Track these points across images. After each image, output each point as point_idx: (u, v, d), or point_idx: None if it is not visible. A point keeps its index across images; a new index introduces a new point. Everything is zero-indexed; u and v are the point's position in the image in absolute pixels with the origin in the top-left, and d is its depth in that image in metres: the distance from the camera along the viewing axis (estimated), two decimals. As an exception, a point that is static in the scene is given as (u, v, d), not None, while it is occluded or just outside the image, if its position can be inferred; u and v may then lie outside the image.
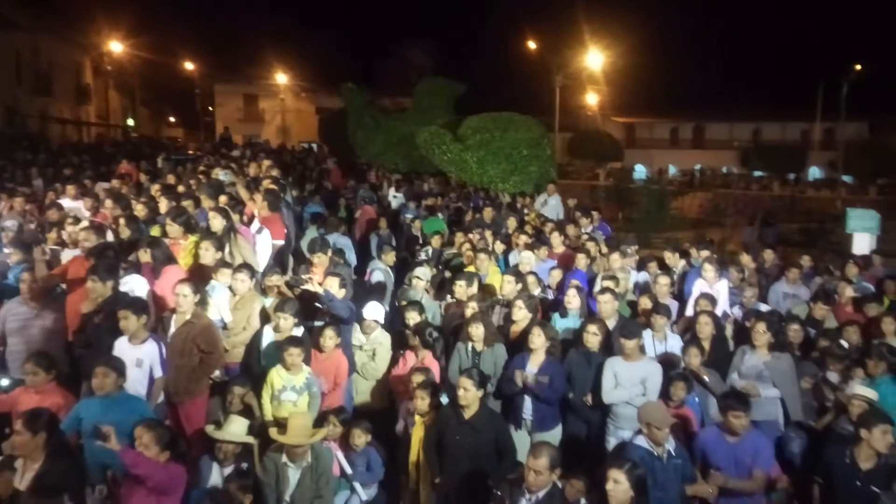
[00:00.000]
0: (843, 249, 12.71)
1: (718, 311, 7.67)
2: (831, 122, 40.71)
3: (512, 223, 11.83)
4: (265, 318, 6.48)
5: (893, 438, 4.64)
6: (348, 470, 5.56)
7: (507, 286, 7.85)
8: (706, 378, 6.34)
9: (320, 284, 6.53)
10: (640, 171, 44.73)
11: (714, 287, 8.00)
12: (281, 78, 43.85)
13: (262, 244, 7.99)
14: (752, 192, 35.99)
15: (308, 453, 5.04)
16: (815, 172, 44.57)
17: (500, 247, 10.33)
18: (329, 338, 6.13)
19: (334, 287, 6.53)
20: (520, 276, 8.14)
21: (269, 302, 6.61)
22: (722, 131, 52.59)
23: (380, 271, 8.89)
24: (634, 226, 21.39)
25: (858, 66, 34.20)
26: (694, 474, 5.00)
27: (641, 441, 4.92)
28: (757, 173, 42.54)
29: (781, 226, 24.61)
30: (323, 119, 31.24)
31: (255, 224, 8.29)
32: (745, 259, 10.01)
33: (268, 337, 6.24)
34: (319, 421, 5.53)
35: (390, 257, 9.19)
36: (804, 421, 6.23)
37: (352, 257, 10.09)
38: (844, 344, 7.04)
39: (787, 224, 25.90)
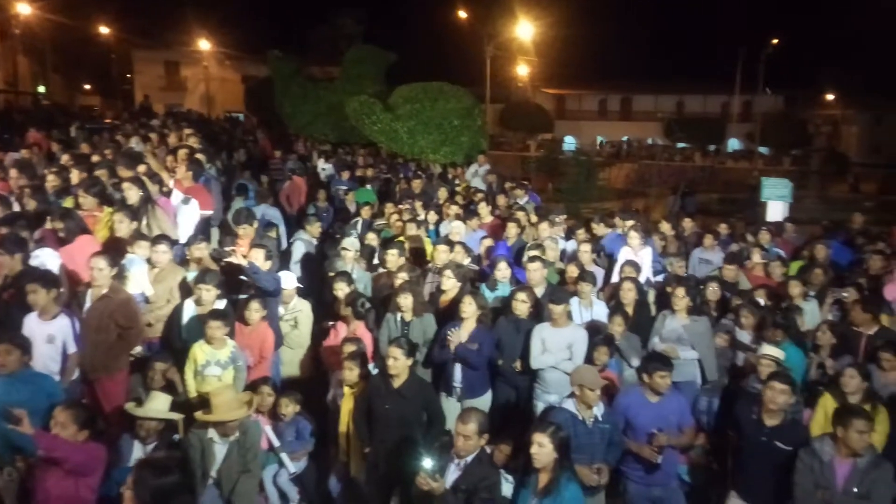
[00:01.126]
0: (758, 217, 13.23)
1: (642, 278, 7.90)
2: (749, 96, 42.24)
3: (443, 193, 11.83)
4: (187, 291, 6.28)
5: (792, 397, 4.88)
6: (276, 443, 5.50)
7: (440, 255, 7.87)
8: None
9: (245, 256, 6.37)
10: (569, 143, 45.39)
11: (638, 254, 8.23)
12: (204, 44, 42.11)
13: (187, 215, 7.72)
14: (675, 162, 37.13)
15: (235, 427, 4.95)
16: (734, 144, 46.27)
17: (433, 217, 10.33)
18: (254, 310, 6.01)
19: (259, 259, 6.37)
20: (452, 245, 8.16)
21: (192, 275, 6.41)
22: (648, 103, 53.90)
23: (302, 242, 8.75)
24: (564, 196, 21.72)
25: (775, 41, 35.47)
26: (621, 440, 5.15)
27: (569, 405, 5.04)
28: (680, 145, 43.88)
29: (702, 195, 25.51)
30: (249, 88, 30.31)
31: (178, 194, 8.00)
32: (665, 227, 10.33)
33: (189, 310, 6.06)
34: (254, 390, 5.45)
35: (315, 228, 9.05)
36: (718, 380, 6.52)
37: (282, 229, 9.92)
38: (760, 301, 7.37)
39: (708, 194, 26.88)
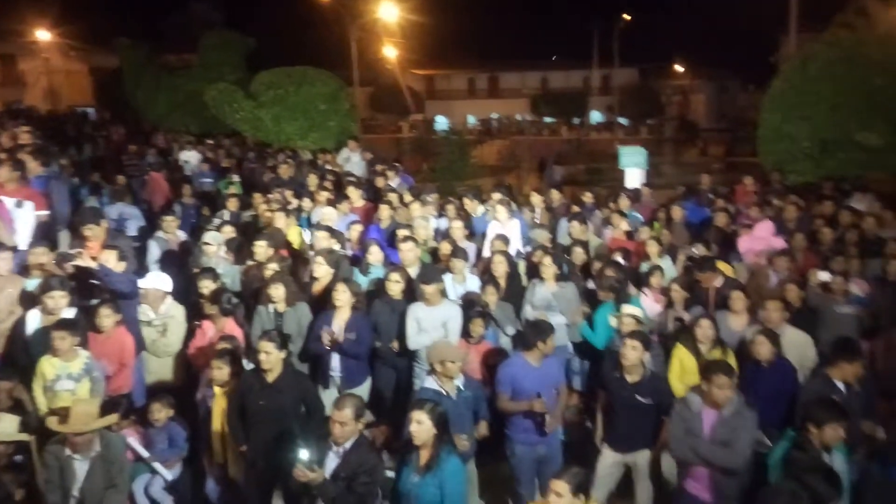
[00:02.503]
0: (618, 185, 13.96)
1: (512, 250, 8.12)
2: (607, 70, 44.24)
3: (312, 180, 11.58)
4: (31, 301, 5.78)
5: (645, 353, 5.17)
6: (144, 453, 5.22)
7: (320, 242, 7.71)
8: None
9: (94, 259, 5.93)
10: (441, 122, 45.78)
11: (507, 227, 8.43)
12: (43, 35, 38.69)
13: (23, 219, 7.09)
14: (543, 137, 38.41)
15: (96, 442, 4.63)
16: (596, 116, 48.39)
17: (307, 204, 10.11)
18: (106, 316, 5.61)
19: (111, 260, 5.96)
20: (332, 231, 8.03)
21: (34, 283, 5.90)
22: (514, 81, 55.29)
23: (157, 241, 8.30)
24: (438, 175, 21.91)
25: (627, 17, 37.31)
26: (485, 406, 5.29)
27: (431, 383, 5.11)
28: (547, 119, 45.38)
29: (570, 167, 26.61)
30: (99, 80, 28.30)
31: (8, 199, 7.31)
32: (536, 199, 10.66)
33: (34, 322, 5.58)
34: (110, 407, 5.10)
35: (172, 225, 8.59)
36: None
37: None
38: (621, 261, 7.77)
39: (575, 165, 28.06)
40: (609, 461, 5.32)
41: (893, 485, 4.29)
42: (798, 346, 5.98)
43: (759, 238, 8.63)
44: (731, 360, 5.79)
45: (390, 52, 44.25)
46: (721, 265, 7.77)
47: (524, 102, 49.92)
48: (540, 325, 5.59)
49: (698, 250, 8.12)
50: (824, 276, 7.42)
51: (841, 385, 5.12)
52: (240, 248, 7.94)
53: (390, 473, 4.71)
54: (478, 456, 5.55)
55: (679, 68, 49.64)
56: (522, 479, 5.48)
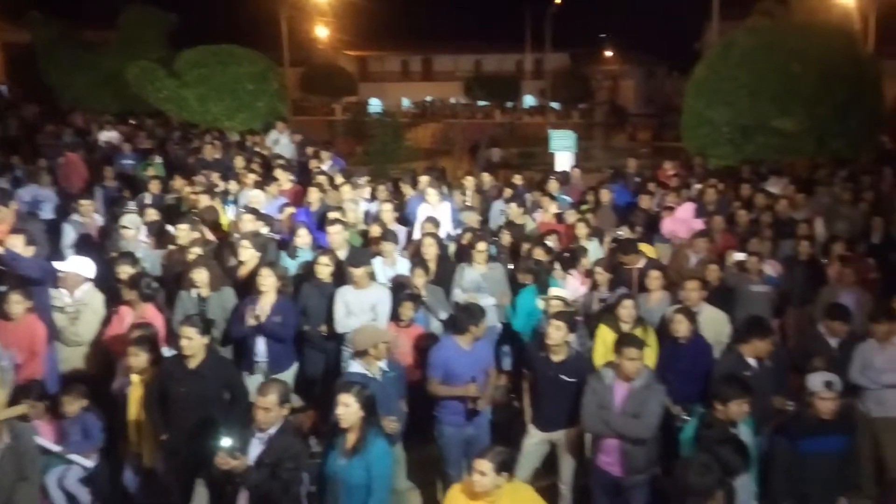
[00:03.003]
0: (549, 168, 14.18)
1: (443, 233, 8.14)
2: (539, 54, 44.66)
3: (239, 162, 11.29)
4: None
5: (569, 334, 5.27)
6: (54, 448, 5.01)
7: (246, 225, 7.53)
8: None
9: (0, 243, 5.63)
10: (374, 105, 45.38)
11: (437, 210, 8.44)
12: (-56, 6, 36.19)
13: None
14: (477, 120, 38.53)
15: (4, 433, 4.41)
16: (529, 100, 48.89)
17: (234, 187, 9.86)
18: (16, 302, 5.34)
19: (19, 245, 5.67)
20: (258, 214, 7.86)
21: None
22: (448, 63, 55.19)
23: (73, 225, 7.95)
24: (372, 158, 21.74)
25: (558, 1, 37.55)
26: (404, 386, 5.32)
27: (356, 367, 5.09)
28: (481, 103, 45.54)
29: (503, 150, 26.80)
30: (11, 57, 26.69)
31: None
32: (468, 182, 10.71)
33: (-67, 313, 5.27)
34: (20, 395, 4.89)
35: (88, 208, 8.24)
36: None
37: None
38: (550, 244, 7.90)
39: (508, 148, 28.27)
40: (534, 439, 5.43)
41: (800, 457, 4.54)
42: (714, 324, 6.22)
43: (681, 220, 8.93)
44: (652, 339, 5.99)
45: (322, 32, 43.47)
46: (644, 247, 8.01)
47: (458, 85, 49.93)
48: (471, 309, 5.62)
49: (623, 232, 8.32)
50: (740, 256, 7.73)
51: (752, 361, 5.36)
52: (161, 232, 7.68)
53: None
54: (406, 437, 5.57)
55: (609, 54, 50.60)
56: (451, 460, 5.53)
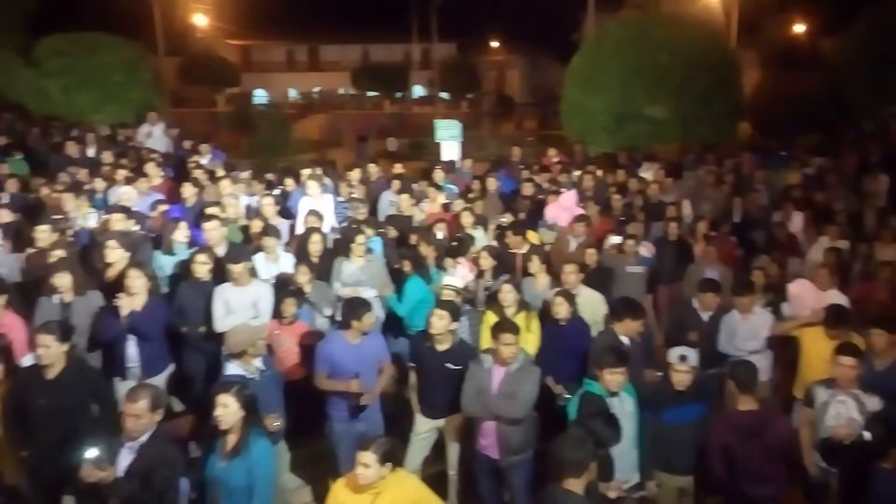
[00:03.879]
0: (435, 158, 14.27)
1: (326, 227, 8.01)
2: (427, 44, 44.80)
3: (107, 157, 10.65)
4: None
5: (452, 323, 5.33)
6: None
7: (114, 224, 7.10)
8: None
9: None
10: (260, 96, 44.05)
11: (320, 203, 8.30)
12: None
13: None
14: (366, 111, 38.20)
15: None
16: (418, 90, 48.91)
17: (100, 184, 9.27)
18: None
19: None
20: (128, 212, 7.43)
21: None
22: (335, 53, 54.23)
23: None
24: (258, 151, 21.10)
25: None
26: (280, 381, 5.23)
27: (234, 368, 4.95)
28: (370, 93, 45.13)
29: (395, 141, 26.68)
30: None
31: None
32: (353, 174, 10.59)
33: None
34: None
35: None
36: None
37: None
38: (438, 234, 7.96)
39: (399, 139, 28.19)
40: (423, 428, 5.47)
41: (664, 427, 4.82)
42: (592, 304, 6.48)
43: (564, 207, 9.23)
44: (535, 323, 6.18)
45: (201, 19, 41.66)
46: (529, 233, 8.23)
47: (345, 76, 49.18)
48: (354, 303, 5.56)
49: (507, 220, 8.51)
50: (616, 239, 8.10)
51: (625, 339, 5.63)
52: (18, 234, 7.13)
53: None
54: (296, 434, 5.47)
55: (495, 44, 51.37)
56: (343, 457, 5.45)
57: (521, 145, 16.00)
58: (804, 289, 6.88)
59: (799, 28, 24.82)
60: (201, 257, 6.25)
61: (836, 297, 6.49)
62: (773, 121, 20.55)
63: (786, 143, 16.47)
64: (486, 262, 7.10)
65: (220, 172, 9.87)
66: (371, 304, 5.64)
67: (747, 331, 6.23)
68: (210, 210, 7.37)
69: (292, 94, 48.21)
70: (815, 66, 22.07)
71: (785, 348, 6.43)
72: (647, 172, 11.57)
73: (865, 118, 22.26)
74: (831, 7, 25.65)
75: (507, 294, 6.14)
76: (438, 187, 9.90)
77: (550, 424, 5.10)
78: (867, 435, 3.89)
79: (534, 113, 37.85)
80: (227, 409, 4.13)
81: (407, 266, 6.88)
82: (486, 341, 6.05)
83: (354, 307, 5.41)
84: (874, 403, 4.69)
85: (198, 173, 9.30)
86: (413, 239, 7.77)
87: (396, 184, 10.04)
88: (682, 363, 4.79)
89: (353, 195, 9.82)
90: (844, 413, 4.75)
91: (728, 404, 5.09)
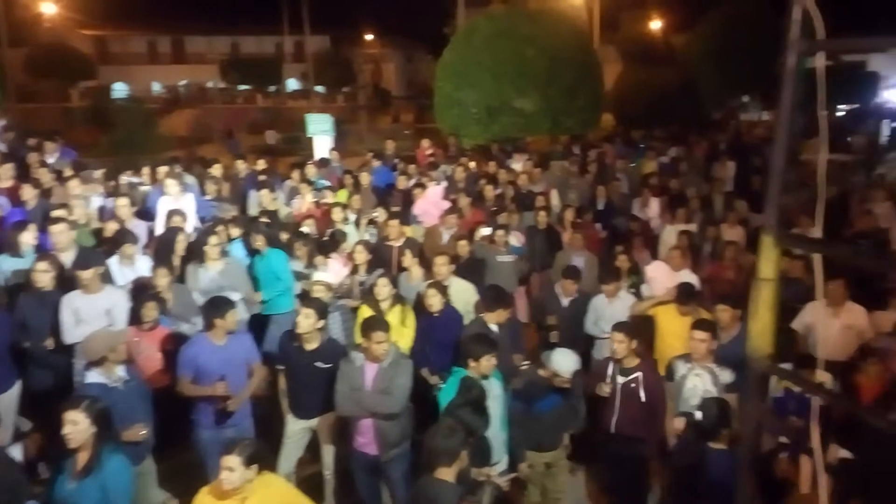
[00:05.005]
0: (310, 153, 13.98)
1: (190, 226, 7.64)
2: (300, 36, 43.83)
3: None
4: None
5: (319, 321, 5.23)
6: None
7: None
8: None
9: None
10: (119, 90, 41.45)
11: (180, 202, 7.91)
12: None
13: None
14: (237, 105, 36.89)
15: None
16: (292, 84, 47.80)
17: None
18: None
19: None
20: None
21: None
22: (201, 45, 51.86)
23: None
24: (119, 149, 19.84)
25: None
26: (147, 391, 4.96)
27: (94, 377, 4.63)
28: (241, 87, 43.65)
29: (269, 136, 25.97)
30: None
31: None
32: (216, 171, 10.17)
33: None
34: None
35: None
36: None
37: None
38: (307, 230, 7.81)
39: (274, 133, 27.44)
40: (295, 428, 5.35)
41: (536, 417, 4.97)
42: (464, 294, 6.58)
43: (431, 201, 9.29)
44: (411, 316, 6.20)
45: (49, 7, 38.59)
46: (404, 227, 8.24)
47: (213, 68, 47.26)
48: (216, 301, 5.33)
49: (379, 214, 8.47)
50: (487, 230, 8.26)
51: (494, 327, 5.75)
52: None
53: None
54: (162, 445, 5.18)
55: (369, 37, 51.10)
56: (212, 466, 5.20)
57: (398, 139, 16.01)
58: (659, 270, 7.31)
59: (655, 25, 26.34)
60: (42, 265, 5.75)
61: (688, 277, 6.93)
62: (633, 112, 21.82)
63: (647, 133, 17.49)
64: (361, 257, 7.04)
65: (69, 172, 9.16)
66: (234, 302, 5.42)
67: (613, 313, 6.54)
68: (56, 213, 6.81)
69: (156, 87, 45.67)
70: (669, 61, 23.59)
71: (643, 327, 6.80)
72: (518, 164, 11.89)
73: (715, 109, 24.10)
74: (683, 5, 27.48)
75: (383, 288, 6.12)
76: (310, 183, 9.71)
77: (426, 414, 5.14)
78: (699, 415, 4.11)
79: (411, 106, 38.03)
80: (77, 427, 3.85)
81: (260, 241, 6.67)
82: (359, 336, 6.01)
83: (217, 305, 5.20)
84: (727, 376, 5.04)
85: (40, 173, 8.58)
86: (284, 237, 7.57)
87: (263, 179, 9.75)
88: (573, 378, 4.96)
89: (219, 193, 9.44)
90: (700, 386, 5.09)
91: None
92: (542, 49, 14.36)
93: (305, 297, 5.87)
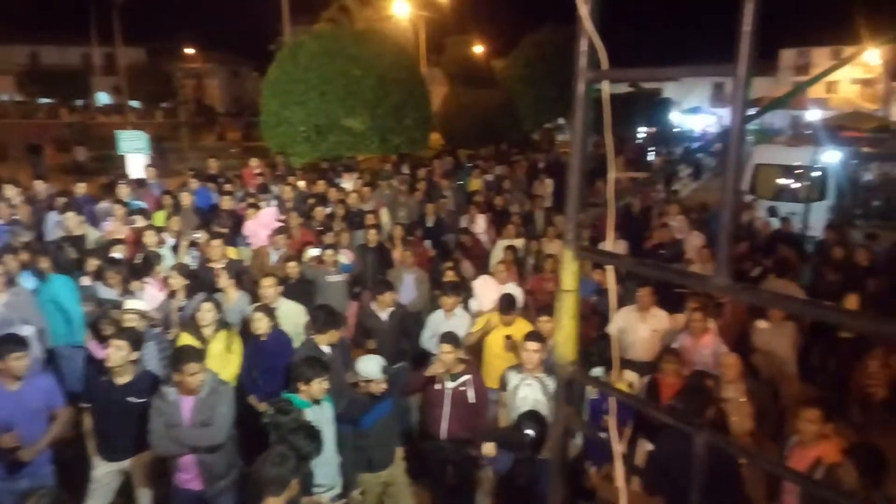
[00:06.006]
0: (123, 172, 12.98)
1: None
2: (109, 48, 40.85)
3: None
4: None
5: (129, 351, 4.83)
6: None
7: None
8: None
9: None
10: None
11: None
12: None
13: None
14: (38, 119, 33.55)
15: None
16: (103, 98, 44.37)
17: None
18: None
19: None
20: None
21: None
22: (-7, 53, 46.70)
23: None
24: None
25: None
26: None
27: None
28: (42, 100, 39.79)
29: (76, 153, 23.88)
30: None
31: None
32: (11, 192, 9.17)
33: None
34: None
35: None
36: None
37: None
38: (118, 255, 7.24)
39: (84, 150, 25.28)
40: (103, 472, 4.89)
41: (365, 434, 4.92)
42: (293, 316, 6.41)
43: (263, 223, 9.00)
44: (237, 342, 5.92)
45: None
46: (228, 249, 7.88)
47: (10, 80, 42.70)
48: (4, 340, 4.76)
49: (200, 236, 8.05)
50: (316, 250, 8.13)
51: (326, 348, 5.65)
52: None
53: None
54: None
55: (190, 51, 48.76)
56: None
57: (224, 157, 15.35)
58: (486, 284, 7.59)
59: (477, 49, 27.57)
60: None
61: (513, 290, 7.24)
62: (459, 132, 22.63)
63: (473, 153, 18.19)
64: (177, 282, 6.62)
65: None
66: (26, 341, 4.85)
67: (450, 328, 6.64)
68: None
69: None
70: (491, 84, 24.78)
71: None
72: (348, 182, 11.85)
73: (533, 129, 25.64)
74: (501, 32, 29.06)
75: (206, 313, 5.80)
76: (123, 204, 9.02)
77: (254, 443, 4.92)
78: (529, 431, 4.27)
79: (237, 124, 36.72)
80: None
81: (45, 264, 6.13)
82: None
83: (6, 345, 4.62)
84: (553, 384, 5.28)
85: None
86: (91, 263, 6.95)
87: (60, 202, 8.93)
88: (383, 374, 4.96)
89: (14, 217, 8.51)
90: (531, 395, 5.29)
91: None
92: (370, 69, 14.48)
93: (117, 327, 5.41)
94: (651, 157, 27.13)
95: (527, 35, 26.17)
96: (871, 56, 36.10)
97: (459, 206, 11.25)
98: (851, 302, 7.79)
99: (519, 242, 9.36)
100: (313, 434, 4.22)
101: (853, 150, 13.93)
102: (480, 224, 10.30)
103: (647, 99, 37.44)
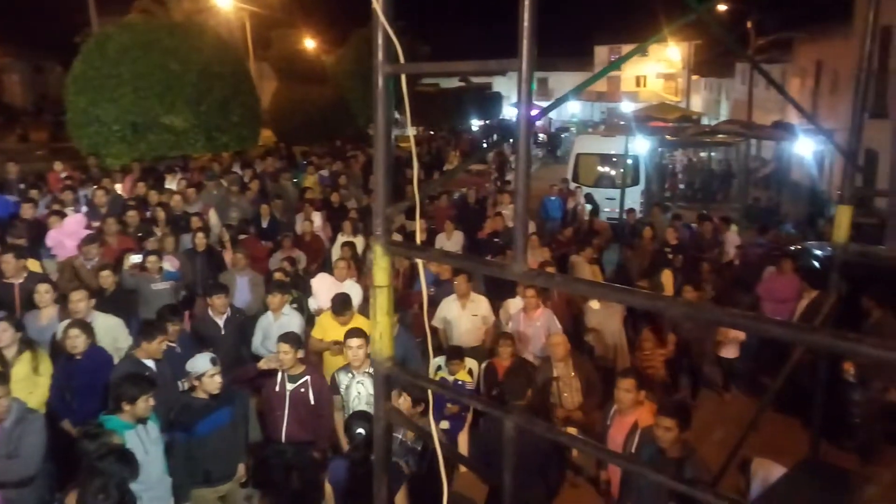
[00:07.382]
0: None
1: None
2: None
3: None
4: None
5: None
6: None
7: None
8: None
9: None
10: None
11: None
12: None
13: None
14: None
15: None
16: None
17: None
18: None
19: None
20: None
21: None
22: None
23: None
24: None
25: None
26: None
27: None
28: None
29: None
30: None
31: None
32: None
33: None
34: None
35: None
36: None
37: None
38: None
39: None
40: None
41: (198, 440, 4.67)
42: (111, 331, 5.94)
43: (69, 232, 8.22)
44: (45, 362, 5.39)
45: None
46: (29, 262, 7.11)
47: None
48: None
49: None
50: (137, 257, 7.57)
51: (150, 362, 5.29)
52: None
53: None
54: None
55: (-19, 43, 43.50)
56: None
57: (27, 161, 13.87)
58: (324, 282, 7.45)
59: (309, 44, 26.98)
60: None
61: (352, 287, 7.17)
62: (291, 128, 22.10)
63: (307, 149, 17.82)
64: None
65: None
66: None
67: (279, 329, 6.45)
68: None
69: None
70: (322, 79, 24.40)
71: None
72: (172, 184, 11.15)
73: (367, 125, 25.61)
74: (330, 26, 28.69)
75: (4, 333, 5.21)
76: None
77: (70, 473, 4.50)
78: (361, 430, 4.27)
79: (43, 123, 33.35)
80: None
81: None
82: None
83: None
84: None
85: None
86: None
87: None
88: (214, 366, 4.73)
89: None
90: (364, 392, 5.27)
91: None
92: (189, 63, 13.68)
93: None
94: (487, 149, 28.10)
95: (356, 30, 26.05)
96: (673, 52, 39.59)
97: (294, 203, 10.97)
98: (667, 276, 8.55)
99: (357, 239, 9.29)
100: (125, 457, 3.88)
101: (660, 139, 15.29)
102: (317, 221, 10.10)
103: (478, 92, 38.72)
